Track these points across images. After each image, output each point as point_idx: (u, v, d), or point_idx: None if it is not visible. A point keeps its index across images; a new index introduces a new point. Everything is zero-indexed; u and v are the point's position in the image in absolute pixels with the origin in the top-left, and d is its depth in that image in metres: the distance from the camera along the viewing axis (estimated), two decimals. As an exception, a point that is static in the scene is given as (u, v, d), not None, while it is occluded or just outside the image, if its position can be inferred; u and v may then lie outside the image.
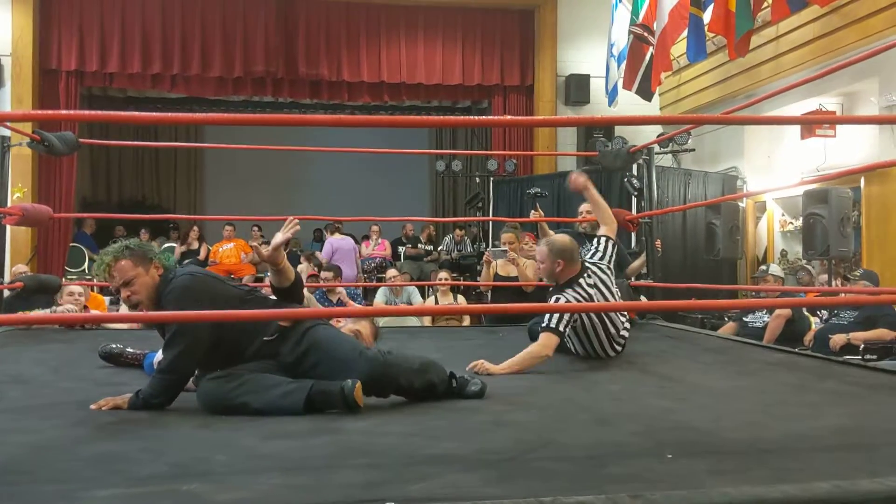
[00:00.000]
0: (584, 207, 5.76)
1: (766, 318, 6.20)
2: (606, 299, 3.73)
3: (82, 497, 1.63)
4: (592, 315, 3.66)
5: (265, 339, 2.74)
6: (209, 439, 2.19)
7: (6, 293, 5.07)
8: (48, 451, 2.09)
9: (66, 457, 2.01)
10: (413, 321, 7.45)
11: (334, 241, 10.01)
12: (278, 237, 2.96)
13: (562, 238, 3.92)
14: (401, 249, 11.59)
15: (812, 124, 7.59)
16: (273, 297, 3.06)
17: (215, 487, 1.68)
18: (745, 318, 6.45)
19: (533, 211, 5.53)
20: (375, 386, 2.65)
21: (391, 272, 8.47)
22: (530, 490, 1.62)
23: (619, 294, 3.91)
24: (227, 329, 2.73)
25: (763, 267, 7.46)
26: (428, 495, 1.58)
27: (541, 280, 4.02)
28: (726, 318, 7.12)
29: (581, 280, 3.71)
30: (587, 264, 3.84)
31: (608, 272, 3.85)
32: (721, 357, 3.96)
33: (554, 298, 3.70)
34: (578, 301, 3.62)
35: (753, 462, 1.91)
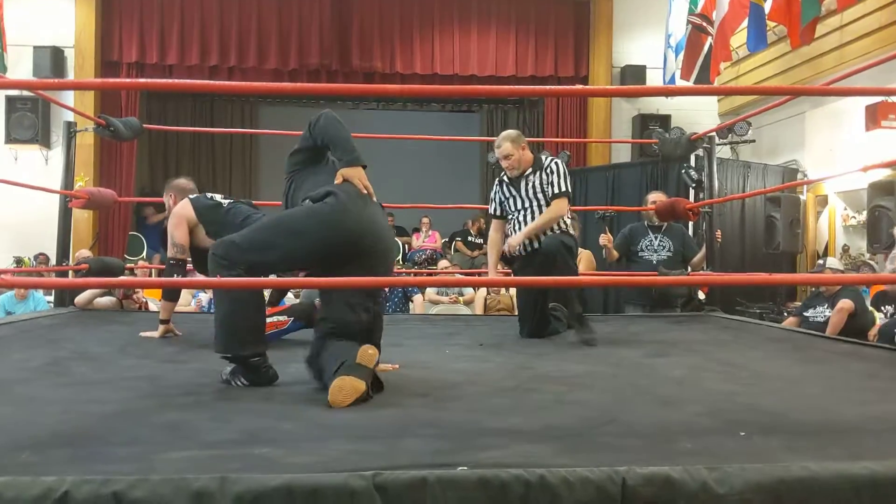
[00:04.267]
0: (652, 196, 5.72)
1: (827, 313, 6.06)
2: None
3: (157, 458, 1.66)
4: None
5: None
6: (274, 410, 2.22)
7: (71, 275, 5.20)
8: (118, 419, 2.13)
9: (137, 424, 2.05)
10: (464, 310, 7.48)
11: None
12: None
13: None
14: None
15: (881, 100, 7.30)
16: None
17: (286, 452, 1.70)
18: (805, 314, 6.31)
19: (602, 234, 5.60)
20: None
21: (443, 263, 8.49)
22: (598, 461, 1.60)
23: None
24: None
25: (820, 262, 7.29)
26: (499, 463, 1.57)
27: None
28: (786, 314, 6.97)
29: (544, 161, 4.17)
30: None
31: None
32: (784, 346, 3.87)
33: (546, 160, 4.15)
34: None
35: (829, 441, 1.86)
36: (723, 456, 1.66)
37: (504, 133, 4.24)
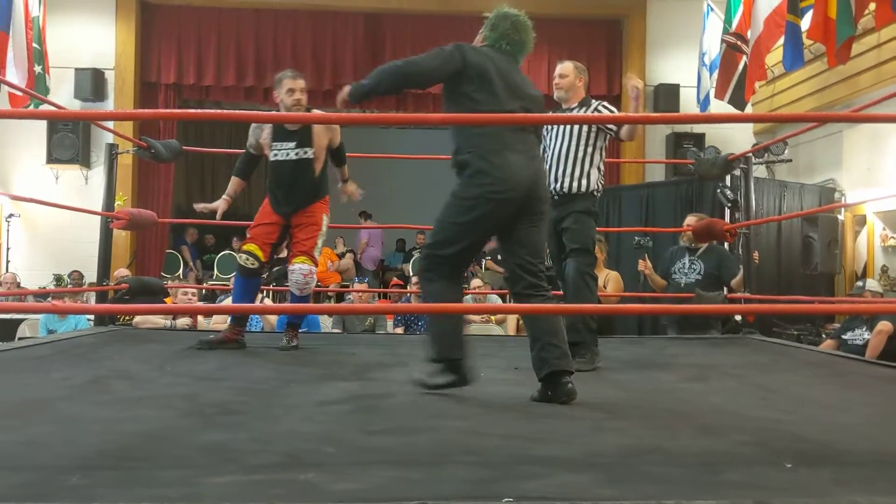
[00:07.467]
0: (687, 220, 5.70)
1: (866, 336, 5.95)
2: None
3: (203, 483, 1.68)
4: None
5: None
6: (315, 432, 2.23)
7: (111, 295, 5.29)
8: (161, 439, 2.15)
9: (179, 445, 2.07)
10: (496, 330, 7.45)
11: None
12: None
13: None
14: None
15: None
16: None
17: (329, 478, 1.71)
18: (844, 336, 6.20)
19: (641, 261, 5.59)
20: None
21: (475, 282, 8.48)
22: (643, 493, 1.59)
23: None
24: None
25: (860, 283, 7.17)
26: (543, 494, 1.57)
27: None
28: (824, 336, 6.86)
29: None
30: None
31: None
32: (823, 371, 3.81)
33: (595, 104, 4.02)
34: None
35: (876, 473, 1.83)
36: (770, 489, 1.64)
37: (575, 61, 4.19)
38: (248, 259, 4.18)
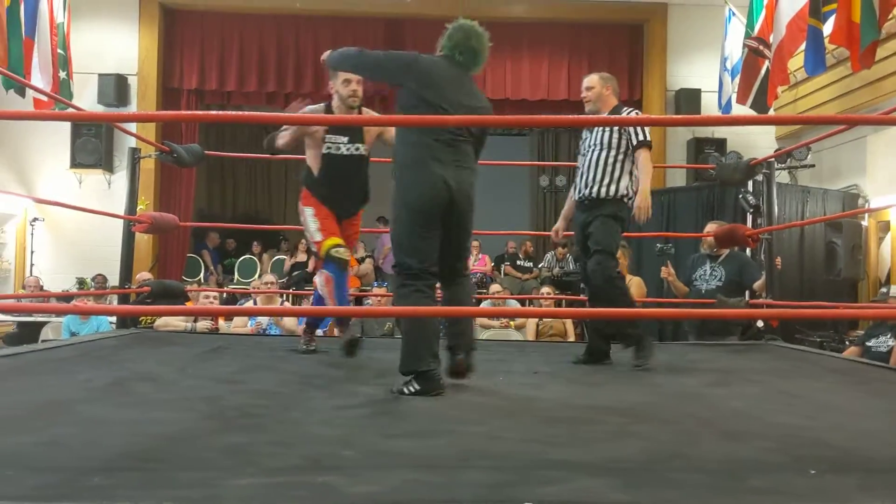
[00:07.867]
0: (708, 227, 5.68)
1: (891, 343, 5.88)
2: None
3: (223, 485, 1.68)
4: None
5: None
6: (334, 435, 2.23)
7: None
8: (182, 441, 2.16)
9: (200, 447, 2.08)
10: (515, 335, 7.44)
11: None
12: None
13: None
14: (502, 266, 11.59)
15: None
16: None
17: (349, 480, 1.71)
18: (868, 343, 6.13)
19: (663, 267, 5.59)
20: None
21: (494, 287, 8.47)
22: (664, 498, 1.57)
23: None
24: None
25: (884, 289, 7.08)
26: (561, 498, 1.56)
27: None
28: (847, 342, 6.79)
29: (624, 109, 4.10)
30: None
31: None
32: (847, 377, 3.76)
33: (626, 111, 4.10)
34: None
35: (903, 481, 1.80)
36: (794, 495, 1.62)
37: (601, 72, 4.22)
38: (345, 251, 4.00)
